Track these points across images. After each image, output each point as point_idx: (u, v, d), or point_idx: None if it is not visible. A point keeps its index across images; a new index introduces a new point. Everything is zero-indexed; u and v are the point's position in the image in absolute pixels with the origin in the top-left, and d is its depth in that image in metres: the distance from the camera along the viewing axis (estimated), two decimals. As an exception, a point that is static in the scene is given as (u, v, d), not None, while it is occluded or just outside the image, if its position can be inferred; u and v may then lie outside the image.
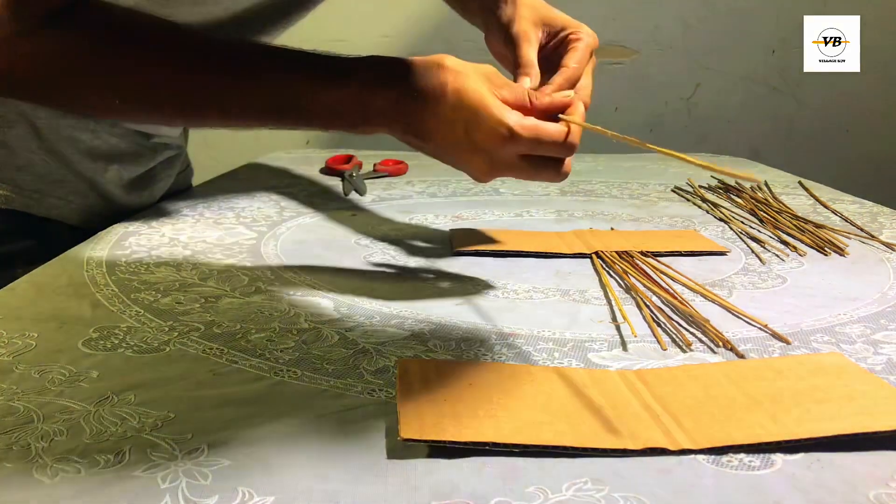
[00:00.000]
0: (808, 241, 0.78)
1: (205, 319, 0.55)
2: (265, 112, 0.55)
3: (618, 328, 0.55)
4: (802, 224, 0.84)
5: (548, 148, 0.53)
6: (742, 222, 0.86)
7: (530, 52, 0.65)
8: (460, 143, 0.54)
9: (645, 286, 0.62)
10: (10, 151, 0.76)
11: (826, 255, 0.74)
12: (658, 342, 0.52)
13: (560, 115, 0.54)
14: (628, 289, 0.63)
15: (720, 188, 1.04)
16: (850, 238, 0.79)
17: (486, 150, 0.54)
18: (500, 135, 0.53)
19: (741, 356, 0.49)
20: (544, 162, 0.54)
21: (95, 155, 0.82)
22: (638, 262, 0.68)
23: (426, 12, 1.72)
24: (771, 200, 0.95)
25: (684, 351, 0.50)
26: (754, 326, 0.54)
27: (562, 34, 0.66)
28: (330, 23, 1.71)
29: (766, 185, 1.05)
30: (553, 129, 0.53)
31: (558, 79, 0.60)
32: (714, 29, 1.75)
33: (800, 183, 1.08)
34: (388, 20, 1.73)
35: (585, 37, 0.65)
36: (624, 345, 0.52)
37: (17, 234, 0.78)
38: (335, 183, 1.05)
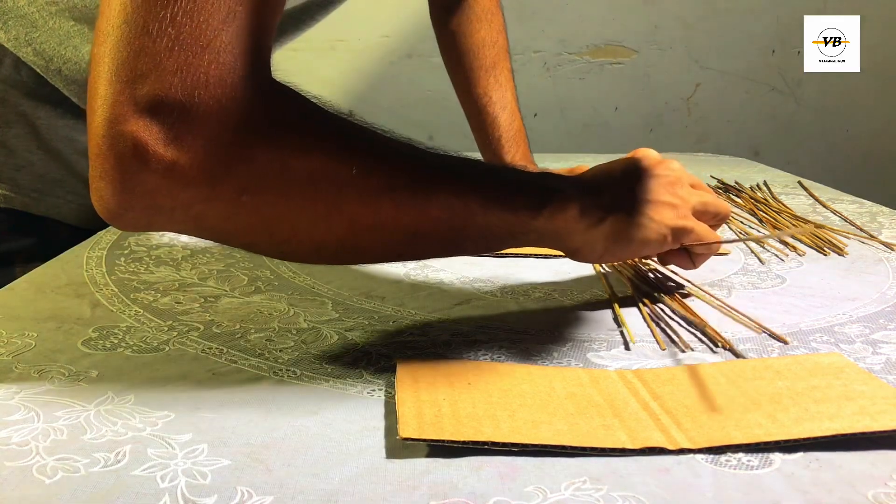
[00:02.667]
0: (808, 240, 0.78)
1: (204, 319, 0.55)
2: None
3: (617, 328, 0.55)
4: (802, 224, 0.84)
5: (710, 218, 0.58)
6: (742, 222, 0.86)
7: None
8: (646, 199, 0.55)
9: (644, 287, 0.62)
10: (10, 151, 0.76)
11: (825, 254, 0.74)
12: (657, 342, 0.52)
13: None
14: (627, 289, 0.63)
15: (720, 188, 1.04)
16: (849, 238, 0.79)
17: (671, 195, 0.56)
18: (687, 180, 0.58)
19: (740, 356, 0.49)
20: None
21: None
22: (637, 261, 0.68)
23: (426, 12, 1.71)
24: (770, 200, 0.95)
25: (683, 351, 0.51)
26: (750, 328, 0.54)
27: None
28: (330, 23, 1.71)
29: (766, 184, 1.05)
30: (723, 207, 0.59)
31: None
32: (714, 29, 1.75)
33: (799, 183, 1.08)
34: (388, 20, 1.73)
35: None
36: (625, 345, 0.52)
37: (16, 234, 0.78)
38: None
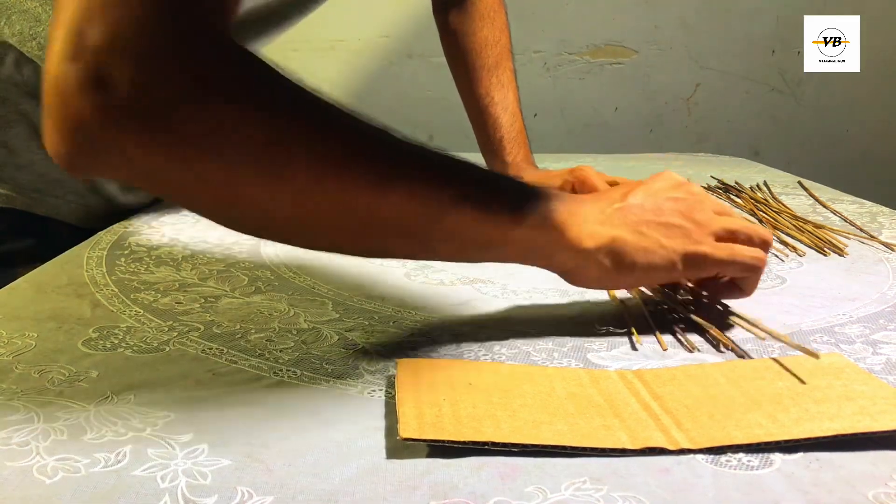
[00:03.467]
0: (808, 241, 0.78)
1: (204, 319, 0.55)
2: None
3: (618, 328, 0.55)
4: (802, 224, 0.84)
5: (745, 244, 0.52)
6: (742, 222, 0.86)
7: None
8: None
9: (644, 286, 0.62)
10: (11, 151, 0.76)
11: (825, 255, 0.74)
12: (659, 343, 0.52)
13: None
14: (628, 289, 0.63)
15: (720, 188, 1.04)
16: (849, 238, 0.79)
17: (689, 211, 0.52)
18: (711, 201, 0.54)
19: (741, 356, 0.49)
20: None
21: None
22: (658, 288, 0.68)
23: (426, 12, 1.71)
24: (770, 201, 0.95)
25: (690, 351, 0.50)
26: (750, 332, 0.54)
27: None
28: (330, 23, 1.71)
29: (766, 184, 1.05)
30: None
31: None
32: (714, 29, 1.75)
33: (799, 183, 1.08)
34: (388, 20, 1.73)
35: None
36: (625, 345, 0.52)
37: (17, 234, 0.78)
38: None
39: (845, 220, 0.88)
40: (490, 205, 0.46)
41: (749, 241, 0.53)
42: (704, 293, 0.56)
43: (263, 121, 0.41)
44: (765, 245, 0.54)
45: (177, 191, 0.43)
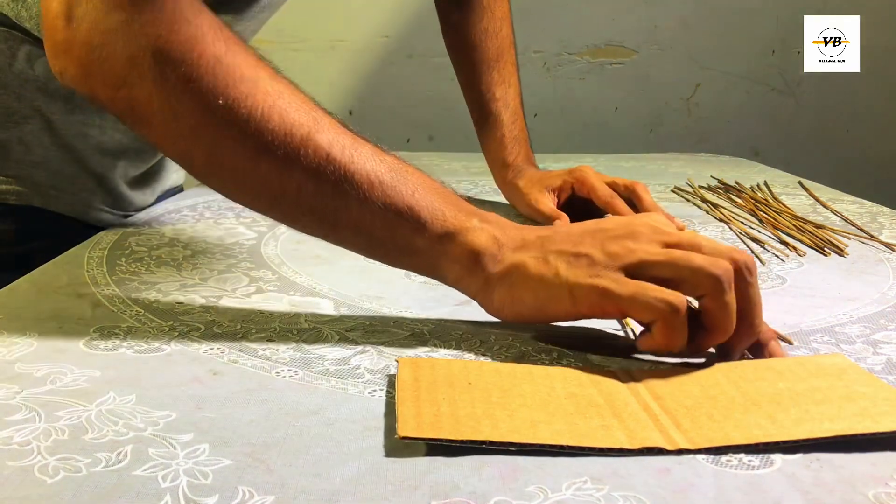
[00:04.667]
0: (808, 241, 0.78)
1: (205, 319, 0.55)
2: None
3: (618, 328, 0.55)
4: (802, 224, 0.84)
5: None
6: (742, 223, 0.86)
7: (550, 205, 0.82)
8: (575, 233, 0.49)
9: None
10: (27, 148, 0.76)
11: (826, 255, 0.74)
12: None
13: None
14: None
15: (720, 188, 1.04)
16: (849, 238, 0.79)
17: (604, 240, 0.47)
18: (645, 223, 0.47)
19: (742, 356, 0.49)
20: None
21: (104, 151, 0.82)
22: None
23: (426, 12, 1.71)
24: (771, 201, 0.95)
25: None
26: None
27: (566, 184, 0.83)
28: (330, 23, 1.71)
29: (766, 184, 1.05)
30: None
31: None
32: (714, 29, 1.75)
33: (800, 183, 1.08)
34: (388, 20, 1.73)
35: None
36: (625, 345, 0.52)
37: (35, 233, 0.78)
38: (335, 183, 1.05)
39: (846, 220, 0.88)
40: (401, 204, 0.48)
41: (691, 282, 0.45)
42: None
43: (201, 80, 0.46)
44: (710, 284, 0.44)
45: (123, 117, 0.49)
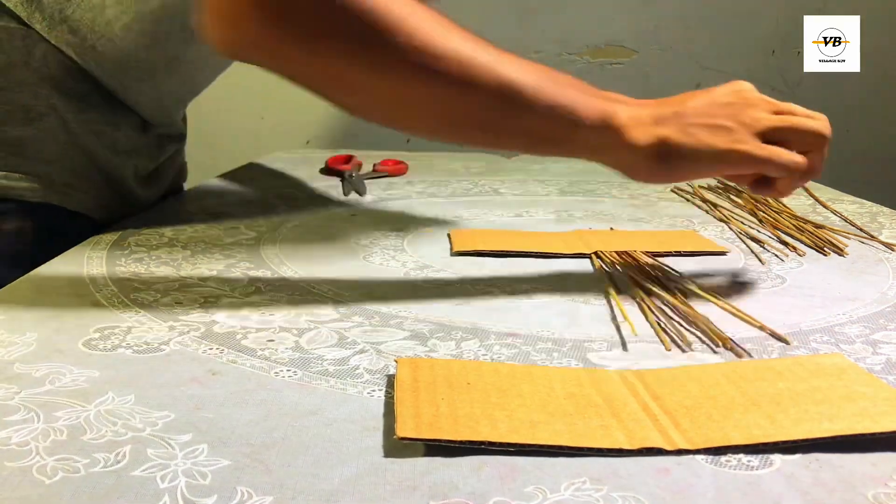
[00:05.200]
0: (808, 241, 0.78)
1: (204, 319, 0.55)
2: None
3: (617, 328, 0.55)
4: (802, 224, 0.84)
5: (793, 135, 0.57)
6: (741, 222, 0.86)
7: None
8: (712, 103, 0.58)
9: (644, 286, 0.62)
10: (43, 146, 0.76)
11: (825, 255, 0.74)
12: (661, 342, 0.52)
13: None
14: (628, 289, 0.63)
15: (720, 188, 1.04)
16: (849, 238, 0.79)
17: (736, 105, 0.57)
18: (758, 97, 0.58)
19: (741, 356, 0.49)
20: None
21: (117, 149, 0.82)
22: (638, 261, 0.69)
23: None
24: (771, 201, 0.95)
25: (684, 351, 0.51)
26: (754, 326, 0.54)
27: None
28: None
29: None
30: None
31: None
32: (714, 29, 1.75)
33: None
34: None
35: None
36: (624, 345, 0.52)
37: (52, 230, 0.78)
38: (335, 183, 1.06)
39: (845, 219, 0.88)
40: (558, 107, 0.55)
41: (800, 141, 0.57)
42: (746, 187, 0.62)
43: (367, 22, 0.52)
44: (818, 142, 0.58)
45: (302, 77, 0.55)
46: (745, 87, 0.59)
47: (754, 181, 0.60)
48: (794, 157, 0.57)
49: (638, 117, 0.56)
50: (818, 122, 0.58)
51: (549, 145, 0.58)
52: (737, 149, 0.56)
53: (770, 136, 0.57)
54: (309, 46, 0.52)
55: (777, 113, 0.58)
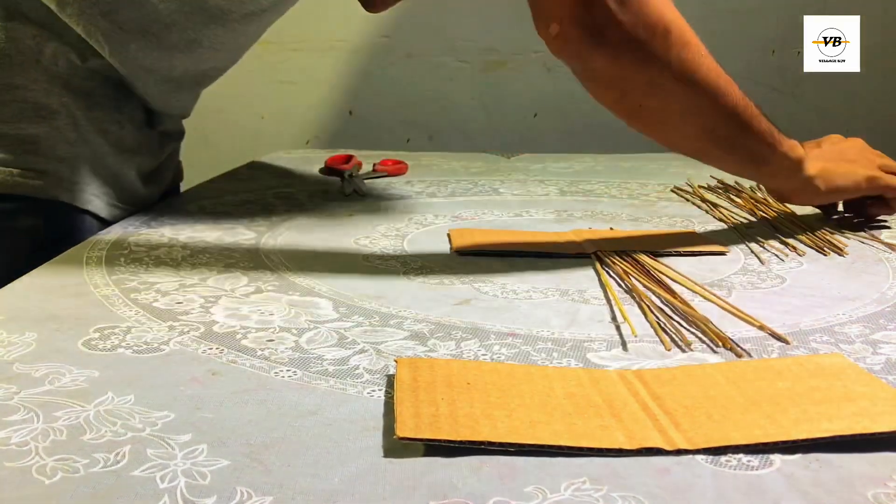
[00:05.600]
0: (808, 241, 0.78)
1: (204, 319, 0.55)
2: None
3: (617, 328, 0.55)
4: (802, 224, 0.84)
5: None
6: (741, 222, 0.86)
7: None
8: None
9: (644, 286, 0.62)
10: (53, 143, 0.77)
11: (825, 254, 0.74)
12: (661, 342, 0.52)
13: None
14: (628, 289, 0.63)
15: (719, 188, 1.04)
16: (849, 238, 0.79)
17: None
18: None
19: (740, 356, 0.49)
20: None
21: (122, 147, 0.83)
22: (637, 261, 0.68)
23: (426, 12, 1.72)
24: (770, 201, 0.94)
25: (684, 351, 0.51)
26: (753, 326, 0.54)
27: None
28: (330, 23, 1.71)
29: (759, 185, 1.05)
30: None
31: None
32: (714, 29, 1.75)
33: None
34: (388, 20, 1.73)
35: None
36: (624, 345, 0.52)
37: (61, 228, 0.78)
38: (335, 183, 1.06)
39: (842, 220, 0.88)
40: (767, 132, 0.73)
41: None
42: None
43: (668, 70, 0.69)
44: None
45: (610, 90, 0.73)
46: (851, 140, 0.84)
47: (872, 203, 0.82)
48: None
49: (807, 153, 0.77)
50: None
51: (756, 164, 0.75)
52: (873, 175, 0.80)
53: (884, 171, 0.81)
54: (629, 57, 0.68)
55: (881, 157, 0.83)
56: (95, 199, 0.81)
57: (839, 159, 0.80)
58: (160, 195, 0.94)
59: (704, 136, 0.73)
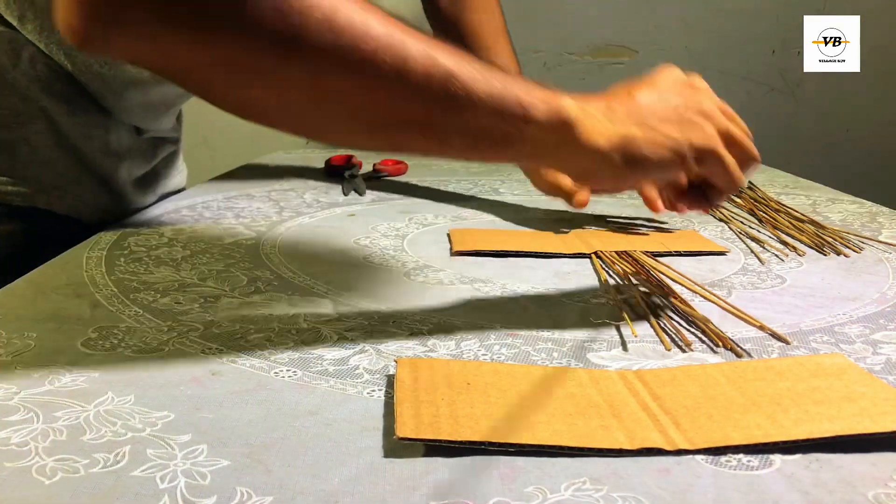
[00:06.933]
0: (808, 241, 0.78)
1: (204, 319, 0.55)
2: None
3: (617, 328, 0.55)
4: (802, 224, 0.84)
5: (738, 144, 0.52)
6: (741, 222, 0.86)
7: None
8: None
9: (644, 286, 0.62)
10: (33, 149, 0.76)
11: (825, 255, 0.74)
12: (661, 342, 0.52)
13: None
14: (628, 289, 0.63)
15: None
16: (848, 238, 0.79)
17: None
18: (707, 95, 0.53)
19: (741, 356, 0.49)
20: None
21: (109, 152, 0.82)
22: (638, 261, 0.68)
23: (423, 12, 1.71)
24: (771, 201, 0.94)
25: (684, 351, 0.50)
26: (753, 326, 0.54)
27: None
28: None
29: (752, 184, 1.05)
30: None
31: None
32: (714, 29, 1.75)
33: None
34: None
35: None
36: (624, 345, 0.52)
37: (40, 235, 0.78)
38: (335, 183, 1.05)
39: (823, 228, 0.88)
40: (504, 99, 0.46)
41: (741, 155, 0.52)
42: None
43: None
44: (752, 165, 0.54)
45: (187, 70, 0.44)
46: (687, 76, 0.55)
47: (687, 191, 0.55)
48: (740, 173, 0.53)
49: (588, 111, 0.49)
50: (755, 150, 0.54)
51: (496, 146, 0.49)
52: (707, 145, 0.51)
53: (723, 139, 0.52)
54: (201, 27, 0.40)
55: (724, 113, 0.54)
56: (79, 205, 0.80)
57: (660, 116, 0.51)
58: (158, 200, 0.93)
59: (386, 123, 0.47)
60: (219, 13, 0.40)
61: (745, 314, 0.56)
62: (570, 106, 0.49)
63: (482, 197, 1.00)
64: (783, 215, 0.87)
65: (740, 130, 0.53)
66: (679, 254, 0.73)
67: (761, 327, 0.54)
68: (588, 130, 0.49)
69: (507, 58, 0.93)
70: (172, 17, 0.40)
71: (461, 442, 0.37)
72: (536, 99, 0.48)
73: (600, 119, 0.49)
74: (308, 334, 0.53)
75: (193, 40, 0.41)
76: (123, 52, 0.43)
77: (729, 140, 0.52)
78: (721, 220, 0.88)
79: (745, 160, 0.53)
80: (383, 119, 0.46)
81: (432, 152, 0.51)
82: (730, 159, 0.51)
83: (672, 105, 0.51)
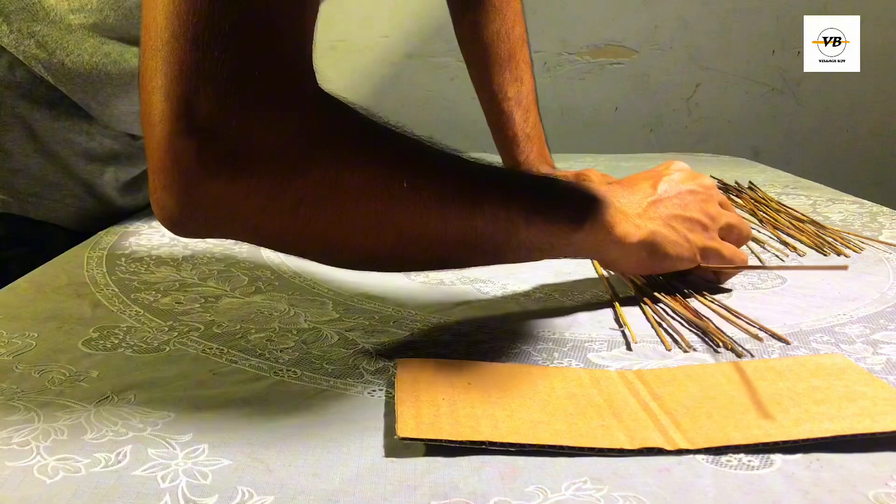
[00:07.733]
0: (808, 241, 0.78)
1: (204, 319, 0.55)
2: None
3: (619, 328, 0.55)
4: (802, 224, 0.84)
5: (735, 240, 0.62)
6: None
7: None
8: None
9: (645, 286, 0.62)
10: (7, 155, 0.76)
11: (825, 255, 0.74)
12: (662, 343, 0.52)
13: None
14: (628, 289, 0.63)
15: (719, 188, 1.04)
16: (848, 238, 0.79)
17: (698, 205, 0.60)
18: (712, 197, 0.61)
19: (741, 356, 0.49)
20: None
21: (92, 157, 0.81)
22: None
23: (426, 12, 1.72)
24: (771, 202, 0.95)
25: (685, 351, 0.51)
26: (753, 326, 0.54)
27: None
28: (330, 23, 1.71)
29: (752, 184, 1.05)
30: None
31: None
32: (714, 29, 1.75)
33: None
34: (388, 20, 1.73)
35: None
36: (628, 345, 0.52)
37: (13, 240, 0.77)
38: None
39: (822, 229, 0.88)
40: (557, 217, 0.51)
41: (739, 235, 0.62)
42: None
43: (370, 171, 0.43)
44: (745, 241, 0.64)
45: (293, 246, 0.45)
46: (695, 174, 0.62)
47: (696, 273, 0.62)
48: (742, 256, 0.62)
49: (622, 211, 0.55)
50: (748, 227, 0.64)
51: (545, 254, 0.53)
52: (711, 246, 0.59)
53: (723, 234, 0.61)
54: (296, 213, 0.41)
55: (723, 206, 0.62)
56: (60, 210, 0.79)
57: (678, 216, 0.58)
58: (148, 203, 0.93)
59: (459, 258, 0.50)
60: (304, 194, 0.41)
61: (745, 316, 0.56)
62: (609, 210, 0.54)
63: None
64: (783, 215, 0.87)
65: (736, 218, 0.63)
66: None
67: (761, 328, 0.54)
68: (624, 230, 0.55)
69: (523, 71, 0.97)
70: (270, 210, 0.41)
71: (462, 442, 0.37)
72: (582, 208, 0.53)
73: (631, 216, 0.56)
74: (309, 334, 0.53)
75: (283, 220, 0.42)
76: (224, 236, 0.44)
77: (728, 228, 0.62)
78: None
79: (742, 239, 0.63)
80: (455, 264, 0.54)
81: (487, 265, 0.56)
82: (727, 251, 0.60)
83: (688, 205, 0.59)
